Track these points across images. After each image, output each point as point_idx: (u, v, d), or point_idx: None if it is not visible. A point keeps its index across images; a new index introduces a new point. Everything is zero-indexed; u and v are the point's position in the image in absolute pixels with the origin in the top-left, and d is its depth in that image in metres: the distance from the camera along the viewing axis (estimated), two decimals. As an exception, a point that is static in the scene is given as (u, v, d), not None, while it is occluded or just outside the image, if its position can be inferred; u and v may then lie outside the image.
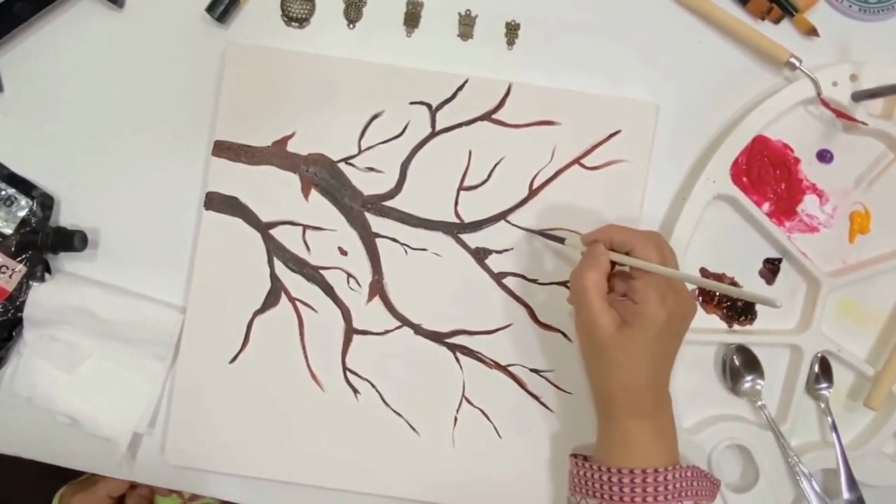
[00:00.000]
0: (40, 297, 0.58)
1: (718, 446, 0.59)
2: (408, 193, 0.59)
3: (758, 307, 0.61)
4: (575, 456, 0.55)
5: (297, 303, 0.59)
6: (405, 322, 0.59)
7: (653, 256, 0.50)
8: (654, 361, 0.51)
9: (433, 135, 0.59)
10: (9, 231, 0.58)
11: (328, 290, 0.59)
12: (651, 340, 0.50)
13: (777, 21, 0.60)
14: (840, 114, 0.59)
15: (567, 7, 0.60)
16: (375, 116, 0.59)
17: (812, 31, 0.60)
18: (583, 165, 0.59)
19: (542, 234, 0.58)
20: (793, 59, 0.58)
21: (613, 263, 0.52)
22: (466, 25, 0.60)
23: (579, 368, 0.59)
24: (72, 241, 0.58)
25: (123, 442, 0.58)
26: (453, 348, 0.59)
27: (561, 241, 0.57)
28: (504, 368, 0.59)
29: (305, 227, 0.59)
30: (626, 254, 0.51)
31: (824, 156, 0.61)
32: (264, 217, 0.59)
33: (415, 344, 0.59)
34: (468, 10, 0.60)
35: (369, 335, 0.59)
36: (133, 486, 0.77)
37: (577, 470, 0.54)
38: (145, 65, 0.60)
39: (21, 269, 0.58)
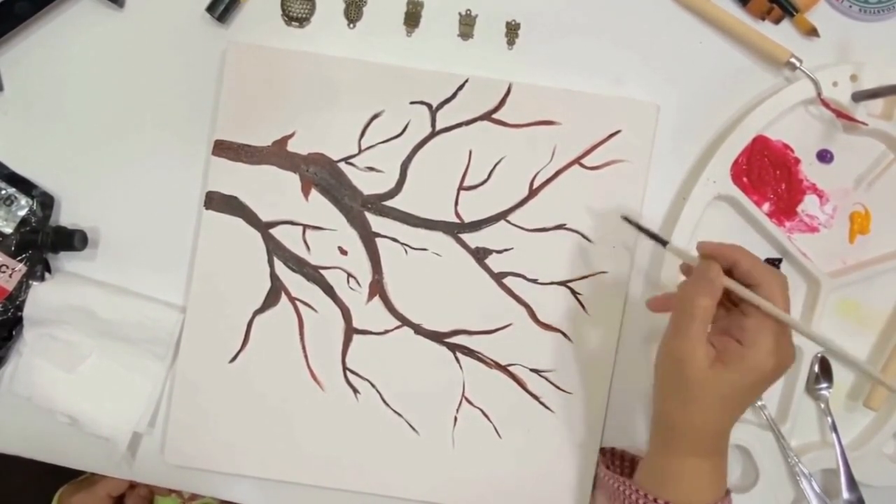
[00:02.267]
0: (40, 297, 0.58)
1: (718, 446, 0.59)
2: (408, 193, 0.59)
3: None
4: (614, 464, 0.53)
5: (297, 302, 0.59)
6: (405, 322, 0.59)
7: (778, 300, 0.45)
8: (737, 410, 0.48)
9: (433, 134, 0.59)
10: (9, 230, 0.58)
11: (328, 290, 0.59)
12: (745, 388, 0.46)
13: (777, 21, 0.60)
14: (840, 114, 0.59)
15: (567, 7, 0.60)
16: (375, 116, 0.59)
17: (812, 32, 0.60)
18: (583, 165, 0.59)
19: (647, 231, 0.54)
20: (793, 60, 0.58)
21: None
22: (467, 25, 0.60)
23: (579, 368, 0.59)
24: (72, 240, 0.58)
25: (123, 441, 0.58)
26: (453, 348, 0.59)
27: (664, 242, 0.53)
28: (504, 368, 0.59)
29: (305, 226, 0.59)
30: (746, 286, 0.46)
31: (824, 156, 0.61)
32: (264, 217, 0.59)
33: (415, 344, 0.59)
34: (468, 9, 0.60)
35: (369, 335, 0.59)
36: (132, 485, 0.76)
37: (617, 485, 0.51)
38: (145, 64, 0.60)
39: (21, 268, 0.58)
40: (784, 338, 0.46)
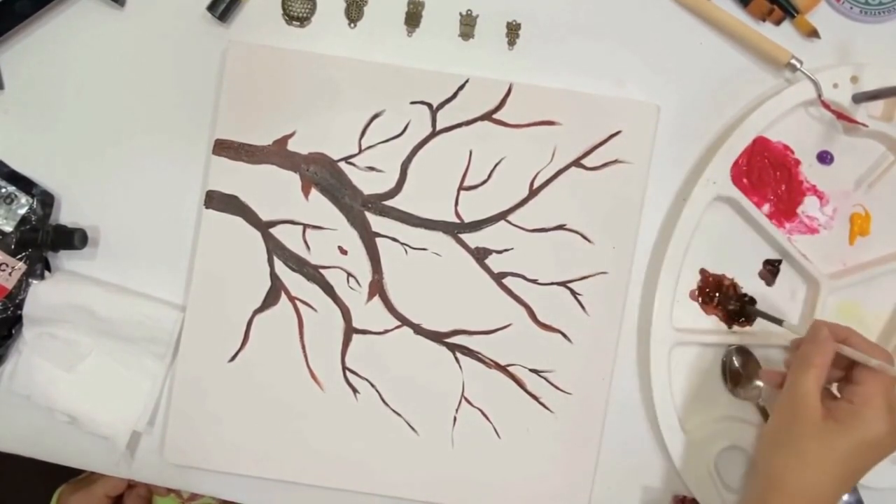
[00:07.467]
0: (40, 295, 0.58)
1: (719, 448, 0.59)
2: (408, 193, 0.59)
3: (758, 307, 0.61)
4: None
5: (297, 302, 0.59)
6: (405, 322, 0.59)
7: (890, 371, 0.48)
8: (845, 472, 0.47)
9: (434, 134, 0.59)
10: (9, 229, 0.58)
11: (328, 290, 0.59)
12: (856, 447, 0.46)
13: (778, 22, 0.60)
14: (840, 115, 0.59)
15: (568, 7, 0.60)
16: (376, 116, 0.59)
17: (813, 33, 0.60)
18: (583, 166, 0.59)
19: (763, 314, 0.59)
20: (793, 61, 0.58)
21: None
22: (467, 25, 0.60)
23: (579, 369, 0.59)
24: (72, 239, 0.58)
25: (122, 440, 0.58)
26: (453, 348, 0.59)
27: (779, 322, 0.57)
28: (504, 368, 0.59)
29: (305, 226, 0.59)
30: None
31: (825, 157, 0.61)
32: (264, 216, 0.59)
33: (414, 344, 0.59)
34: (469, 10, 0.60)
35: (369, 335, 0.59)
36: (131, 485, 0.76)
37: None
38: (146, 63, 0.60)
39: (21, 266, 0.58)
40: None
